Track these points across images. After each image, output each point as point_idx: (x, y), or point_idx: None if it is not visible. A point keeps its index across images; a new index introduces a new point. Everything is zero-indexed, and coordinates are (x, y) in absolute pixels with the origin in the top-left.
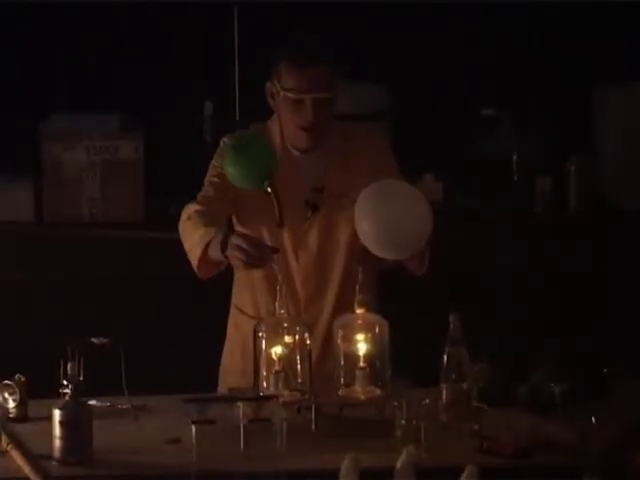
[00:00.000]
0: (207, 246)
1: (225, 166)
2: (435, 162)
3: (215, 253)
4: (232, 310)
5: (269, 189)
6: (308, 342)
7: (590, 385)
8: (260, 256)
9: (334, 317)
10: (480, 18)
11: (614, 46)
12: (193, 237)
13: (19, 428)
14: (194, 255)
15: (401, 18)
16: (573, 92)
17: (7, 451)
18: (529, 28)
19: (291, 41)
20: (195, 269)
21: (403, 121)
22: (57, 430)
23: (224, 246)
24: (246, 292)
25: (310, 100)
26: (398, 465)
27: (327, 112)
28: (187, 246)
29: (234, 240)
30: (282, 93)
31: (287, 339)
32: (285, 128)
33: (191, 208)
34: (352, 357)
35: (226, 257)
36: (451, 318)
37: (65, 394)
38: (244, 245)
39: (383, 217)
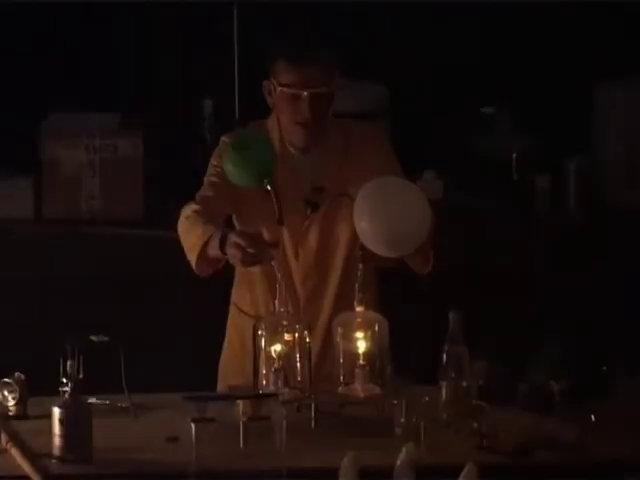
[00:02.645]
0: (206, 244)
1: (224, 165)
2: (435, 160)
3: (214, 251)
4: (231, 308)
5: (269, 187)
6: (308, 340)
7: (590, 383)
8: (258, 253)
9: (334, 315)
10: (480, 16)
11: (614, 44)
12: (191, 236)
13: (19, 426)
14: (193, 253)
15: (401, 17)
16: (573, 90)
17: (7, 449)
18: (529, 26)
19: (288, 36)
20: (193, 267)
21: (403, 119)
22: (57, 428)
23: (223, 243)
24: (245, 291)
25: (306, 95)
26: (398, 463)
27: (324, 108)
28: (186, 245)
29: (233, 238)
30: (278, 89)
31: (287, 337)
32: (283, 125)
33: (189, 208)
34: (352, 355)
35: (225, 254)
36: (451, 316)
37: (65, 392)
38: (243, 243)
39: (381, 214)
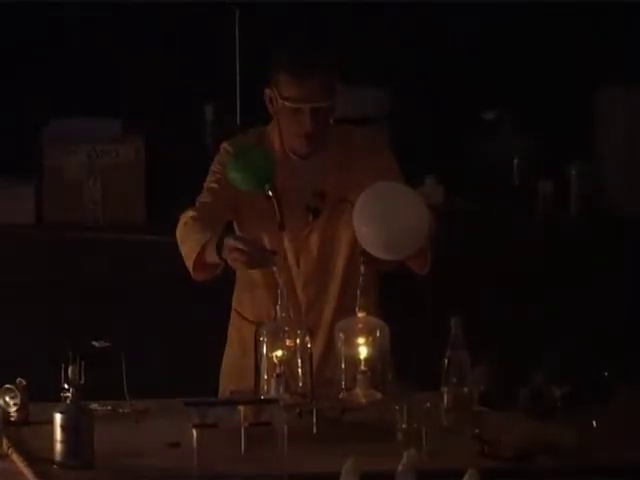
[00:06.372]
0: (203, 250)
1: (227, 172)
2: (436, 165)
3: (211, 256)
4: (232, 314)
5: (270, 193)
6: (309, 346)
7: (591, 388)
8: (260, 256)
9: (335, 321)
10: (480, 20)
11: (615, 48)
12: (189, 242)
13: (20, 432)
14: (190, 259)
15: (401, 20)
16: (574, 95)
17: (8, 455)
18: (530, 31)
19: (289, 49)
20: (191, 272)
21: (404, 124)
22: (58, 434)
23: (220, 249)
24: (246, 296)
25: (308, 109)
26: (399, 469)
27: (326, 120)
28: (183, 251)
29: (231, 242)
30: (280, 102)
31: (288, 343)
32: (284, 134)
33: (188, 214)
34: (353, 361)
35: (222, 260)
36: (452, 322)
37: (66, 398)
38: (241, 246)
39: (380, 219)
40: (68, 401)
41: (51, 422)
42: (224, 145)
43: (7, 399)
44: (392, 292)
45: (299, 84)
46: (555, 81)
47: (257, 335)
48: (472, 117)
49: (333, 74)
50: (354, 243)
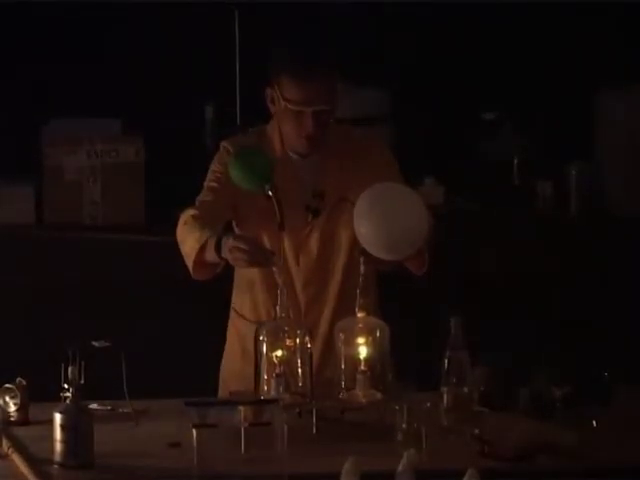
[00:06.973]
0: (202, 248)
1: (230, 171)
2: (436, 166)
3: (210, 255)
4: (231, 314)
5: (270, 193)
6: (309, 346)
7: (591, 388)
8: (260, 255)
9: (335, 321)
10: (481, 21)
11: (615, 50)
12: (189, 240)
13: (20, 432)
14: (189, 258)
15: (402, 21)
16: (574, 95)
17: (8, 455)
18: (530, 32)
19: (290, 50)
20: (191, 272)
21: (404, 125)
22: (58, 434)
23: (219, 248)
24: (245, 296)
25: (310, 112)
26: (399, 469)
27: (327, 121)
28: (183, 250)
29: (230, 242)
30: (282, 103)
31: (288, 343)
32: (285, 134)
33: (188, 213)
34: (353, 361)
35: (221, 259)
36: (452, 322)
37: (66, 398)
38: (242, 245)
39: (380, 219)
40: (68, 401)
41: (51, 422)
42: (224, 144)
43: (7, 399)
44: (391, 292)
45: (301, 86)
46: (555, 81)
47: (257, 335)
48: (472, 117)
49: (334, 75)
50: (354, 243)
